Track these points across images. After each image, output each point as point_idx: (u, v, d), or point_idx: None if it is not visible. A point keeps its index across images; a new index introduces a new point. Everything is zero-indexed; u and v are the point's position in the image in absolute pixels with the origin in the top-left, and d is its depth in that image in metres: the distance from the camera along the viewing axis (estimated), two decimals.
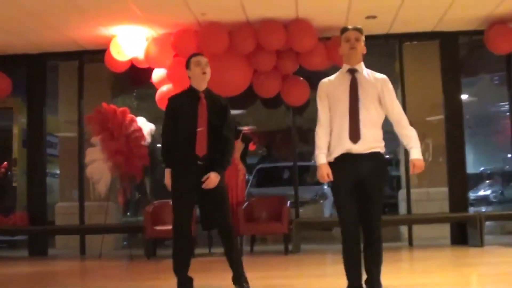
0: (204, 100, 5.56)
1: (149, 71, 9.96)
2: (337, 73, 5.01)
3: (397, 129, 4.90)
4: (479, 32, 10.00)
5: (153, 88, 10.22)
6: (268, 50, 9.48)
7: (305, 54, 9.60)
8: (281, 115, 13.94)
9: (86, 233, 10.52)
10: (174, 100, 5.78)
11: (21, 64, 10.90)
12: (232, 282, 5.58)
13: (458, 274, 6.99)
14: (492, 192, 23.02)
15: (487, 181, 23.82)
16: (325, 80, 5.01)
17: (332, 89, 4.91)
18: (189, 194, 5.55)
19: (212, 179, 5.43)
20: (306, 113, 12.80)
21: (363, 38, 4.92)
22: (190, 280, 5.61)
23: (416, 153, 4.79)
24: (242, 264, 5.62)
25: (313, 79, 10.51)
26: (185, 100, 5.67)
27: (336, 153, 4.78)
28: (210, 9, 8.93)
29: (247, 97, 10.36)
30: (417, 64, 10.49)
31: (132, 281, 7.39)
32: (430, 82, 10.39)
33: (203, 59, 5.66)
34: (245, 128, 9.94)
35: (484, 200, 22.12)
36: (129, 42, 9.48)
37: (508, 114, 11.12)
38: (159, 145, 16.10)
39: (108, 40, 9.62)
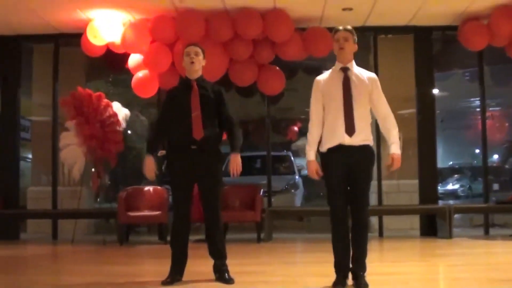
0: (196, 87, 5.66)
1: (125, 56, 9.92)
2: (330, 70, 5.32)
3: (382, 124, 5.28)
4: (452, 28, 10.15)
5: (128, 74, 10.21)
6: (245, 38, 9.52)
7: (281, 44, 9.66)
8: (256, 104, 14.00)
9: (59, 218, 10.47)
10: (170, 92, 5.94)
11: None
12: (213, 271, 5.65)
13: (427, 264, 7.14)
14: (460, 186, 23.40)
15: (456, 176, 24.18)
16: (319, 78, 5.33)
17: (326, 86, 5.23)
18: (186, 177, 5.60)
19: (235, 160, 5.60)
20: (281, 103, 12.89)
21: (353, 37, 5.23)
22: (185, 256, 5.68)
23: (395, 148, 5.16)
24: (225, 253, 5.71)
25: (288, 69, 10.63)
26: (179, 90, 5.82)
27: (330, 144, 5.14)
28: None
29: (222, 85, 10.21)
30: (391, 57, 10.60)
31: (105, 265, 7.39)
32: (403, 76, 10.52)
33: (192, 49, 5.73)
34: None
35: (452, 194, 22.48)
36: (106, 26, 9.43)
37: (478, 110, 11.29)
38: (130, 132, 16.20)
39: (85, 24, 9.56)
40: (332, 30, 5.32)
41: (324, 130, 5.21)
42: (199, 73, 5.75)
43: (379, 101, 5.25)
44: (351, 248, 5.16)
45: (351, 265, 5.17)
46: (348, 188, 5.16)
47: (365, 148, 5.14)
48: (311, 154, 5.23)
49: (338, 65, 5.26)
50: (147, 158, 5.69)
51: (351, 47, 5.23)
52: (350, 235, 5.17)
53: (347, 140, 5.06)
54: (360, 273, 5.11)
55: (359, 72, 5.26)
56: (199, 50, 5.74)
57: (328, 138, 5.17)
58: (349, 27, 5.27)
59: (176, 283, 5.53)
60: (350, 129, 5.07)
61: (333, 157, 5.12)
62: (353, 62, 5.29)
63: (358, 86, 5.16)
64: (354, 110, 5.10)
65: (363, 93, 5.17)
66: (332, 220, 5.20)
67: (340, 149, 5.09)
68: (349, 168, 5.09)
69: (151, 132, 5.85)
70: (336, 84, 5.18)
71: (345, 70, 5.22)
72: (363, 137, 5.12)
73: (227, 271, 5.60)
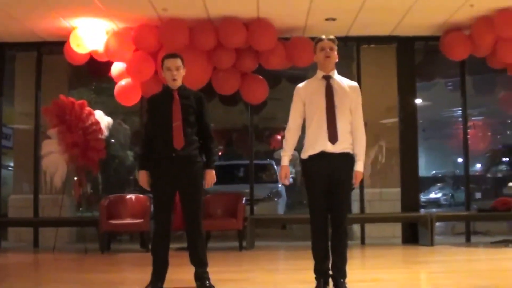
0: (177, 97, 5.65)
1: (108, 64, 9.91)
2: (312, 79, 5.38)
3: (353, 134, 5.26)
4: (435, 38, 10.23)
5: (111, 82, 10.19)
6: (228, 47, 9.55)
7: (264, 53, 9.70)
8: (239, 113, 14.01)
9: (40, 226, 10.39)
10: (151, 100, 5.94)
11: None
12: (194, 279, 5.65)
13: (408, 271, 7.17)
14: (443, 195, 23.49)
15: (438, 184, 24.29)
16: (301, 85, 5.39)
17: (308, 94, 5.28)
18: (167, 186, 5.60)
19: (211, 176, 5.70)
20: (263, 112, 12.92)
21: (336, 47, 5.29)
22: (166, 263, 5.67)
23: (360, 165, 5.23)
24: (206, 261, 5.70)
25: (272, 78, 10.65)
26: (160, 99, 5.80)
27: (311, 151, 5.19)
28: (172, 5, 8.95)
29: (206, 94, 10.19)
30: (374, 67, 10.67)
31: (86, 273, 7.37)
32: (386, 85, 10.59)
33: (173, 64, 5.69)
34: None
35: (435, 203, 22.57)
36: (90, 34, 9.44)
37: (460, 119, 11.38)
38: (113, 141, 16.16)
39: (68, 32, 9.56)
40: (315, 39, 5.37)
41: (306, 137, 5.26)
42: (180, 83, 5.76)
43: (355, 112, 5.27)
44: (330, 254, 5.20)
45: (331, 272, 5.20)
46: (329, 195, 5.19)
47: (346, 155, 5.18)
48: (285, 160, 5.30)
49: (320, 73, 5.31)
50: (140, 173, 5.72)
51: (335, 56, 5.30)
52: (329, 241, 5.22)
53: (329, 148, 5.12)
54: (340, 280, 5.14)
55: (340, 80, 5.31)
56: (180, 63, 5.71)
57: (310, 145, 5.21)
58: (332, 36, 5.34)
59: None
60: (333, 137, 5.12)
61: (314, 164, 5.19)
62: (335, 71, 5.34)
63: (340, 95, 5.20)
64: (336, 118, 5.15)
65: (345, 101, 5.21)
66: (312, 226, 5.25)
67: (321, 156, 5.14)
68: (331, 175, 5.14)
69: (142, 149, 5.85)
70: (318, 93, 5.22)
71: (327, 78, 5.26)
72: (345, 145, 5.17)
73: (208, 279, 5.59)
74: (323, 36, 5.31)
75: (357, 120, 5.27)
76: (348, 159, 5.20)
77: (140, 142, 5.82)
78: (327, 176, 5.15)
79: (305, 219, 11.91)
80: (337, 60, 5.33)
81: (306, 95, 5.29)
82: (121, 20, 9.47)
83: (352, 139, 5.23)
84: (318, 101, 5.20)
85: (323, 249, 5.21)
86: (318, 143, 5.16)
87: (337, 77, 5.32)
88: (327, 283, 5.23)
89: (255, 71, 10.06)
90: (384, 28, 10.08)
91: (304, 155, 5.25)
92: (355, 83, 5.40)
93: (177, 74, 5.68)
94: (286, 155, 5.30)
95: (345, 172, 5.18)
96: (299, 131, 5.34)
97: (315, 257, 5.24)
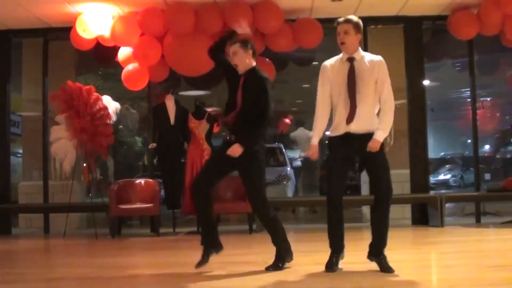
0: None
1: (115, 49, 9.89)
2: (337, 58, 5.43)
3: (381, 108, 5.34)
4: (442, 17, 10.15)
5: (117, 68, 10.18)
6: None
7: (271, 35, 9.66)
8: None
9: (50, 212, 10.45)
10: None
11: None
12: None
13: (418, 252, 7.17)
14: (452, 176, 23.43)
15: (447, 166, 24.22)
16: (327, 64, 5.46)
17: (332, 74, 5.37)
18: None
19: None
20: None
21: (355, 28, 5.30)
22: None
23: (378, 134, 5.23)
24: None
25: (278, 61, 10.60)
26: None
27: (338, 132, 5.34)
28: None
29: (213, 78, 10.36)
30: (381, 48, 10.51)
31: (97, 258, 7.39)
32: (394, 66, 10.32)
33: (230, 50, 5.80)
34: (210, 109, 9.94)
35: (444, 184, 22.53)
36: (95, 20, 9.40)
37: (469, 100, 11.32)
38: (121, 127, 16.17)
39: (74, 17, 9.52)
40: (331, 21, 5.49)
41: (333, 117, 5.40)
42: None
43: (382, 85, 5.30)
44: (371, 227, 5.39)
45: (372, 241, 5.38)
46: (370, 176, 5.39)
47: (370, 136, 5.23)
48: (313, 140, 5.42)
49: (344, 55, 5.38)
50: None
51: (352, 39, 5.32)
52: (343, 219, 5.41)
53: (352, 129, 5.24)
54: (382, 260, 5.30)
55: (364, 59, 5.35)
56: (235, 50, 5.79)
57: (337, 125, 5.35)
58: (350, 17, 5.37)
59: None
60: (351, 119, 5.22)
61: (337, 144, 5.33)
62: (360, 51, 5.39)
63: (363, 76, 5.27)
64: (357, 101, 5.23)
65: (369, 82, 5.27)
66: (328, 204, 5.36)
67: (346, 137, 5.27)
68: (359, 157, 5.31)
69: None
70: (342, 75, 5.31)
71: (351, 60, 5.33)
72: (367, 126, 5.26)
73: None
74: (340, 19, 5.35)
75: (384, 93, 5.30)
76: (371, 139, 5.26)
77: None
78: (349, 157, 5.32)
79: (313, 201, 11.99)
80: (359, 40, 5.38)
81: (331, 75, 5.38)
82: (126, 4, 9.42)
83: (380, 111, 5.32)
84: (341, 83, 5.30)
85: (338, 226, 5.37)
86: (341, 124, 5.29)
87: (361, 56, 5.36)
88: (339, 257, 5.41)
89: (261, 53, 10.01)
90: (391, 8, 10.01)
91: (331, 133, 5.41)
92: (378, 58, 5.41)
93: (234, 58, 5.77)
94: (315, 135, 5.43)
95: (375, 152, 5.24)
96: (328, 107, 5.42)
97: (330, 233, 5.39)
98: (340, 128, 5.30)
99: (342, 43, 5.28)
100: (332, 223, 5.38)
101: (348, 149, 5.29)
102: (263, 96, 5.58)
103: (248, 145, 5.56)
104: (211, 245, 5.67)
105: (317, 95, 5.44)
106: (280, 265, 5.64)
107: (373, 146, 5.20)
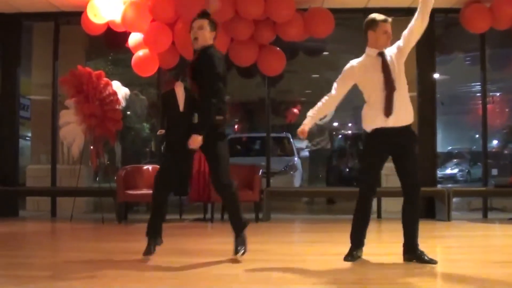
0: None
1: (125, 35, 9.87)
2: (365, 58, 5.59)
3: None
4: (455, 10, 10.09)
5: (127, 53, 10.17)
6: (246, 18, 9.47)
7: (282, 24, 9.61)
8: (255, 86, 13.96)
9: (57, 195, 10.50)
10: None
11: None
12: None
13: (425, 245, 7.08)
14: (459, 171, 23.35)
15: (455, 160, 24.14)
16: (355, 63, 5.62)
17: (363, 73, 5.52)
18: None
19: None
20: (280, 85, 12.83)
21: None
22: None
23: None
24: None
25: (289, 50, 10.56)
26: None
27: (374, 126, 5.47)
28: None
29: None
30: (393, 40, 10.45)
31: (103, 243, 7.43)
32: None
33: (196, 23, 5.78)
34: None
35: (451, 179, 22.47)
36: (107, 5, 9.37)
37: (478, 94, 11.26)
38: (129, 113, 16.19)
39: (85, 2, 9.49)
40: (373, 21, 5.55)
41: (366, 113, 5.54)
42: (200, 45, 5.80)
43: (409, 33, 5.54)
44: (402, 225, 5.55)
45: (404, 240, 5.55)
46: (399, 170, 5.51)
47: (406, 129, 5.45)
48: (308, 119, 5.59)
49: (373, 51, 5.51)
50: None
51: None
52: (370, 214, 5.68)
53: (389, 123, 5.37)
54: (419, 254, 5.46)
55: (389, 53, 5.52)
56: (201, 24, 5.80)
57: (372, 120, 5.47)
58: (389, 19, 5.61)
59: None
60: (390, 113, 5.35)
61: (374, 139, 5.47)
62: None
63: (393, 68, 5.42)
64: (396, 90, 5.38)
65: (400, 73, 5.46)
66: (360, 197, 5.53)
67: (382, 132, 5.39)
68: (393, 150, 5.42)
69: None
70: (375, 70, 5.44)
71: (382, 54, 5.47)
72: (403, 119, 5.42)
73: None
74: (389, 19, 5.57)
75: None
76: (408, 133, 5.48)
77: None
78: (385, 152, 5.47)
79: (321, 192, 11.99)
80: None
81: (360, 74, 5.51)
82: None
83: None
84: (376, 78, 5.42)
85: (364, 220, 5.57)
86: (377, 118, 5.41)
87: (388, 51, 5.53)
88: (359, 249, 5.59)
89: (272, 42, 9.99)
90: (403, 0, 9.95)
91: (368, 128, 5.53)
92: (396, 43, 5.59)
93: (198, 33, 5.76)
94: (311, 116, 5.59)
95: (409, 147, 5.45)
96: (335, 105, 5.64)
97: (354, 225, 5.58)
98: (375, 122, 5.44)
99: (389, 39, 5.50)
100: (359, 217, 5.56)
101: (385, 144, 5.41)
102: (210, 73, 5.60)
103: (203, 130, 5.60)
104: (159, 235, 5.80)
105: (336, 85, 5.57)
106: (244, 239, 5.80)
107: None
